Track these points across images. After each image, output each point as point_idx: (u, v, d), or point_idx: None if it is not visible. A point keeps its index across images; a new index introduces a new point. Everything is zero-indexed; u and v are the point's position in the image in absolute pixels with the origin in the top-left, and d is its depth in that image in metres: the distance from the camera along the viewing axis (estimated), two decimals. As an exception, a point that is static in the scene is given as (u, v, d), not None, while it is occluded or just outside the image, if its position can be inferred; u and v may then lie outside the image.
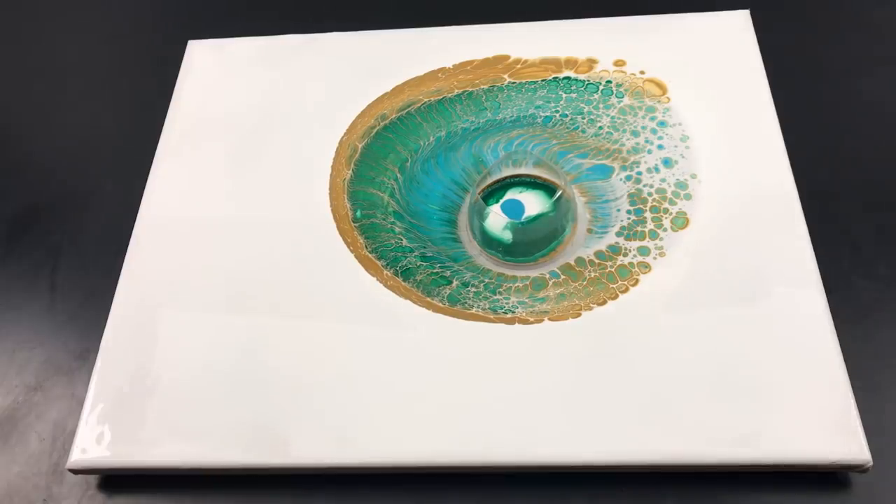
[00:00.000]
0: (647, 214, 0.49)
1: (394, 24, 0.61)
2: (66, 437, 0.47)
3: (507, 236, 0.48)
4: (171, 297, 0.49)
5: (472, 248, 0.50)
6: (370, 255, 0.50)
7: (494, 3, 0.65)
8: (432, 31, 0.60)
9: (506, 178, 0.51)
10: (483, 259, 0.49)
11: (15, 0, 0.72)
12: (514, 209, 0.49)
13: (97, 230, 0.56)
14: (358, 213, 0.52)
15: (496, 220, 0.48)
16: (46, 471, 0.46)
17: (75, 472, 0.44)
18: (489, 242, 0.49)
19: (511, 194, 0.50)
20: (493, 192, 0.50)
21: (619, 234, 0.49)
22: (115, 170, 0.59)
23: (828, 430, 0.41)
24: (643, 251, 0.48)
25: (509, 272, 0.48)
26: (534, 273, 0.48)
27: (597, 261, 0.48)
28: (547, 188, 0.50)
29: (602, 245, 0.48)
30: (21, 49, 0.68)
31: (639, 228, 0.49)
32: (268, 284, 0.49)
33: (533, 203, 0.50)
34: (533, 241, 0.48)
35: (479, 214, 0.49)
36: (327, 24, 0.62)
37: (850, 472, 0.42)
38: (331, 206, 0.52)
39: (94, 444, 0.44)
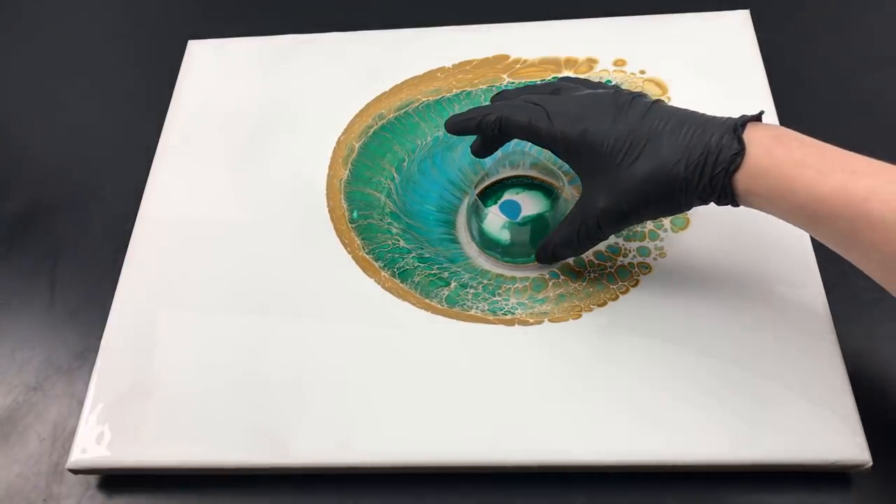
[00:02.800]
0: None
1: (394, 25, 0.61)
2: (66, 437, 0.47)
3: (505, 237, 0.48)
4: (170, 297, 0.49)
5: (471, 249, 0.50)
6: (367, 257, 0.50)
7: (494, 3, 0.65)
8: (432, 31, 0.60)
9: (505, 178, 0.51)
10: (482, 260, 0.49)
11: (15, 1, 0.72)
12: (512, 209, 0.49)
13: (97, 230, 0.56)
14: (355, 214, 0.52)
15: (494, 221, 0.48)
16: (46, 471, 0.46)
17: (75, 472, 0.44)
18: (487, 243, 0.49)
19: (509, 195, 0.50)
20: (493, 192, 0.50)
21: (618, 235, 0.49)
22: (115, 170, 0.59)
23: (828, 430, 0.41)
24: (643, 252, 0.48)
25: (508, 273, 0.48)
26: (533, 274, 0.48)
27: (596, 262, 0.48)
28: (546, 189, 0.50)
29: (602, 246, 0.48)
30: (22, 49, 0.68)
31: (638, 229, 0.49)
32: (268, 285, 0.49)
33: (532, 203, 0.50)
34: (531, 242, 0.48)
35: (477, 215, 0.49)
36: (327, 24, 0.62)
37: (850, 472, 0.42)
38: (328, 206, 0.52)
39: (94, 444, 0.44)
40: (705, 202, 0.39)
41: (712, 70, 0.55)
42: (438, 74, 0.57)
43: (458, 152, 0.54)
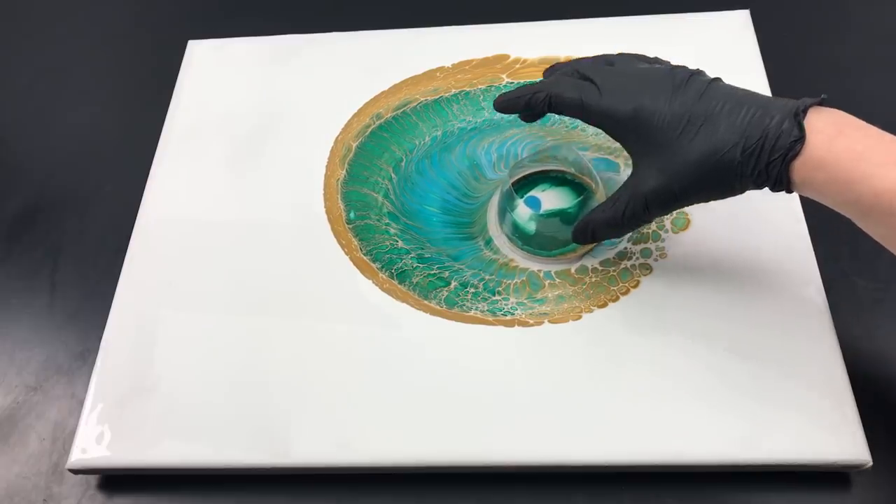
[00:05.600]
0: (651, 215, 0.49)
1: (393, 25, 0.61)
2: (66, 437, 0.47)
3: (530, 227, 0.48)
4: (170, 297, 0.49)
5: (495, 228, 0.50)
6: (365, 258, 0.50)
7: (494, 3, 0.65)
8: (432, 31, 0.60)
9: (542, 171, 0.51)
10: (502, 241, 0.49)
11: (15, 1, 0.72)
12: (532, 205, 0.49)
13: (97, 230, 0.56)
14: (352, 215, 0.52)
15: (520, 211, 0.48)
16: (46, 471, 0.46)
17: (75, 472, 0.44)
18: (514, 230, 0.49)
19: (536, 191, 0.50)
20: (526, 184, 0.50)
21: (629, 240, 0.49)
22: (115, 170, 0.59)
23: (828, 430, 0.41)
24: (645, 253, 0.48)
25: (522, 264, 0.48)
26: (535, 267, 0.48)
27: (601, 268, 0.48)
28: (577, 185, 0.50)
29: (610, 252, 0.48)
30: (21, 49, 0.68)
31: (644, 230, 0.49)
32: (268, 286, 0.49)
33: (556, 200, 0.49)
34: (552, 237, 0.48)
35: (509, 202, 0.49)
36: (327, 24, 0.62)
37: (850, 472, 0.42)
38: (325, 207, 0.52)
39: (94, 444, 0.44)
40: (760, 188, 0.38)
41: (712, 70, 0.54)
42: (437, 74, 0.57)
43: (456, 153, 0.54)
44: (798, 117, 0.36)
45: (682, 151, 0.38)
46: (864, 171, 0.34)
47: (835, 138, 0.35)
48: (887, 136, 0.35)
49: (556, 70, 0.45)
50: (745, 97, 0.38)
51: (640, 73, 0.41)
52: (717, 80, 0.40)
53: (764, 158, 0.36)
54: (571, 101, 0.41)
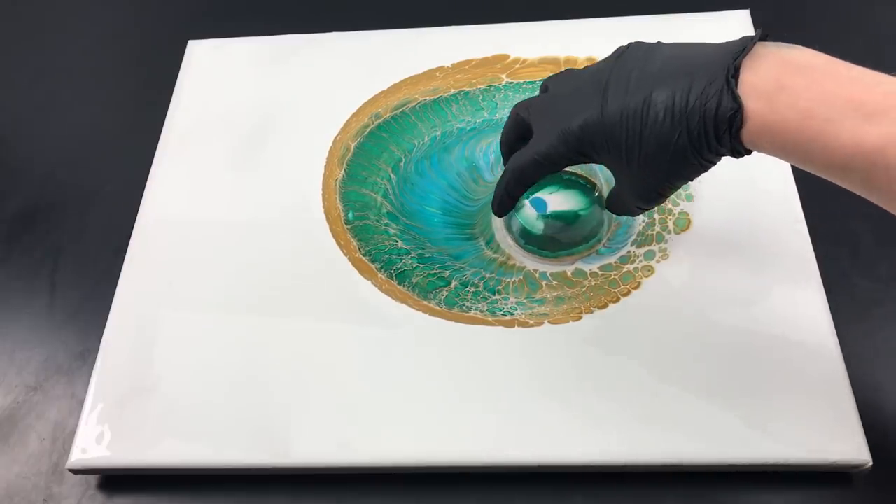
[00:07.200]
0: (656, 216, 0.49)
1: (393, 25, 0.61)
2: (66, 437, 0.47)
3: (536, 228, 0.48)
4: (170, 297, 0.49)
5: (498, 223, 0.50)
6: (363, 259, 0.50)
7: (494, 3, 0.65)
8: (432, 31, 0.60)
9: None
10: (502, 233, 0.49)
11: (15, 1, 0.72)
12: (539, 205, 0.49)
13: (97, 230, 0.56)
14: (350, 215, 0.52)
15: (526, 212, 0.48)
16: (46, 471, 0.46)
17: (75, 472, 0.44)
18: (519, 228, 0.49)
19: (542, 193, 0.50)
20: (542, 183, 0.50)
21: (633, 244, 0.49)
22: (115, 170, 0.59)
23: (828, 430, 0.41)
24: (649, 255, 0.48)
25: (520, 262, 0.48)
26: (532, 266, 0.48)
27: (600, 273, 0.48)
28: (584, 187, 0.50)
29: (612, 259, 0.48)
30: (21, 49, 0.68)
31: (649, 232, 0.49)
32: (268, 286, 0.49)
33: (564, 201, 0.49)
34: (554, 238, 0.48)
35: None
36: (327, 24, 0.62)
37: (850, 472, 0.41)
38: (324, 207, 0.52)
39: (94, 444, 0.44)
40: (726, 156, 0.36)
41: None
42: (437, 74, 0.57)
43: (455, 154, 0.54)
44: (730, 84, 0.33)
45: (636, 149, 0.36)
46: (813, 128, 0.32)
47: (776, 96, 0.33)
48: (833, 78, 0.33)
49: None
50: (673, 71, 0.35)
51: (568, 91, 0.40)
52: (656, 46, 0.38)
53: (711, 136, 0.34)
54: (531, 163, 0.40)
